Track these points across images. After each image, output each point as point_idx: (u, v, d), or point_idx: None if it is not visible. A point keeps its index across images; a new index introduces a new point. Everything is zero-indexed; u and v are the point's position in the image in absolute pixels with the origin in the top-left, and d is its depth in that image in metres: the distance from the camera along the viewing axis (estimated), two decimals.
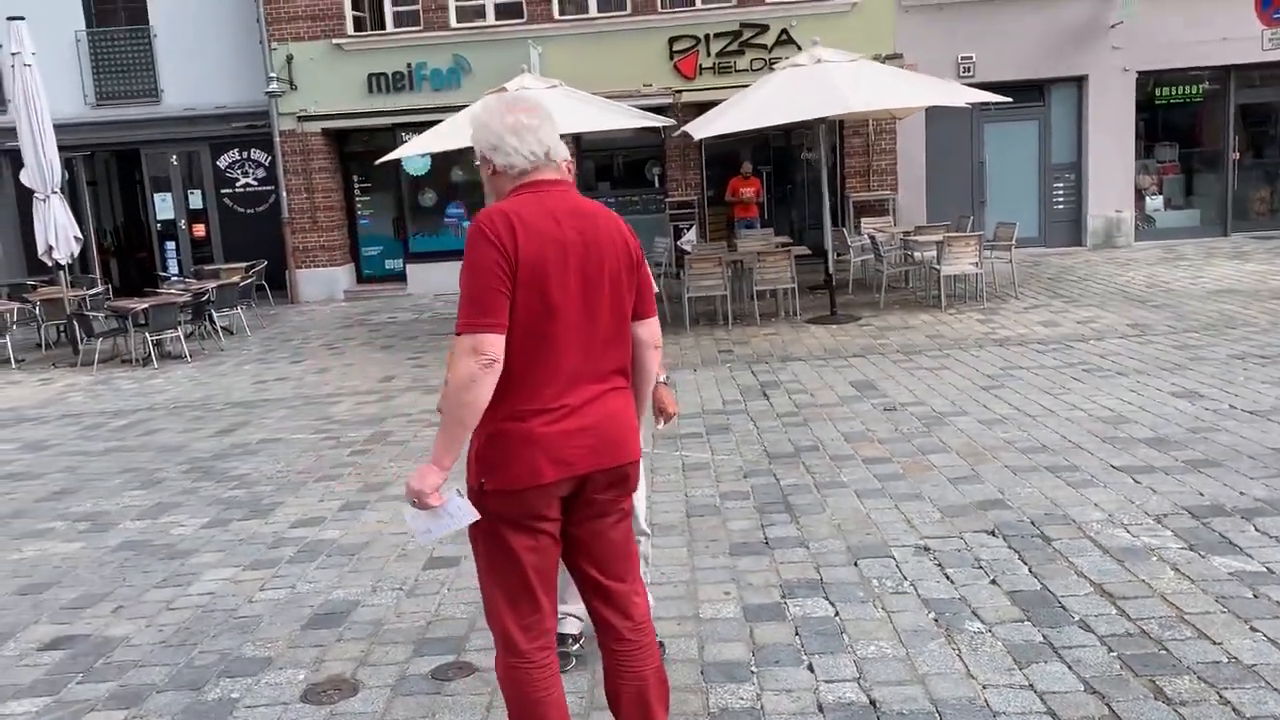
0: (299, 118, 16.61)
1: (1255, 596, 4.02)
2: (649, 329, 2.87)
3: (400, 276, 17.56)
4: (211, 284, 13.56)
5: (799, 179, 17.47)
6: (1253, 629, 3.76)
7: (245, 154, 17.46)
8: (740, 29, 16.17)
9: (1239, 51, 15.68)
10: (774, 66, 12.11)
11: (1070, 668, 3.58)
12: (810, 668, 3.72)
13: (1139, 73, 15.98)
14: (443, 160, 16.49)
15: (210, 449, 7.80)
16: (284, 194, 16.87)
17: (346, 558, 5.20)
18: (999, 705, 3.38)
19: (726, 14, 16.22)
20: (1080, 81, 16.24)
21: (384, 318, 14.78)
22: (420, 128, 16.53)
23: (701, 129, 11.17)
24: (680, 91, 16.12)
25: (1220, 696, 3.32)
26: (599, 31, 16.30)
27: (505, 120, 2.77)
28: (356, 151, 17.46)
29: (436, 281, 17.07)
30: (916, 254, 12.53)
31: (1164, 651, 3.64)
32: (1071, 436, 6.38)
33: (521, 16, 16.49)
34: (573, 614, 3.91)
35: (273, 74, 16.35)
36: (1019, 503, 5.25)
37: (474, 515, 2.72)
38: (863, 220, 15.19)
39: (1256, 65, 16.00)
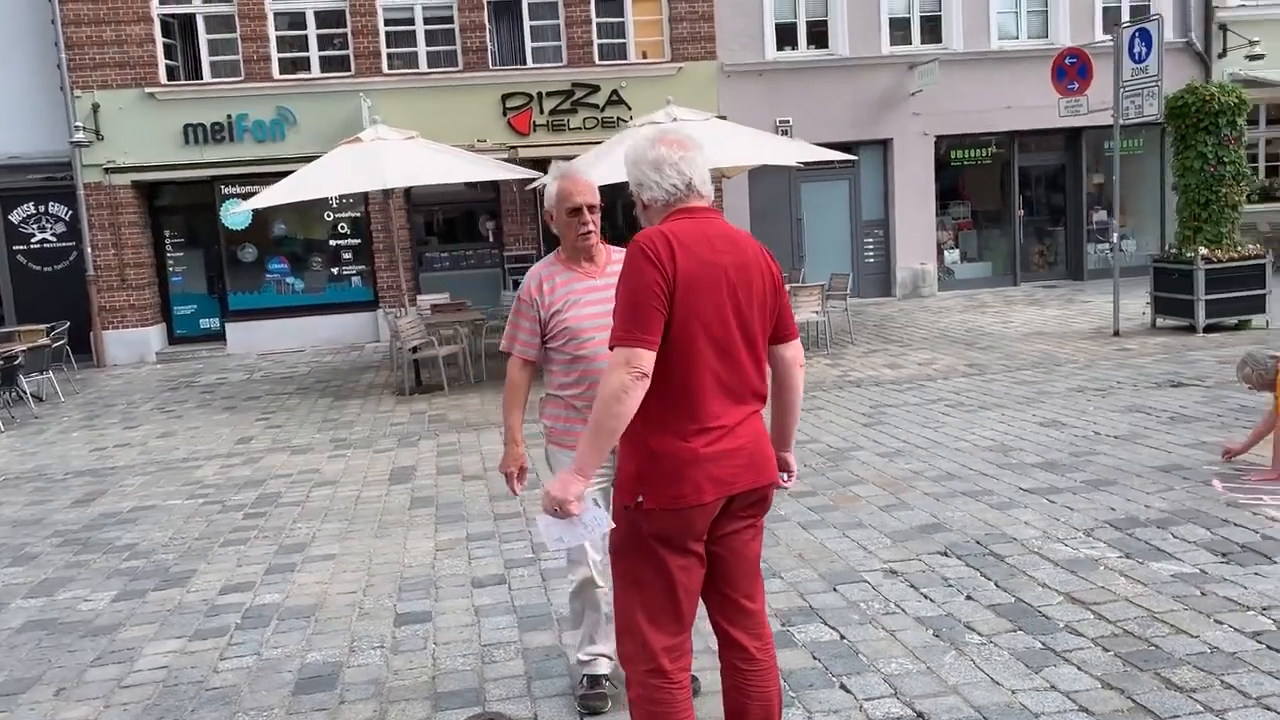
0: (106, 169, 15.56)
1: (1203, 594, 4.45)
2: (796, 349, 2.98)
3: (218, 336, 16.64)
4: (20, 347, 12.41)
5: (630, 233, 17.86)
6: (1217, 622, 4.16)
7: (43, 208, 16.14)
8: (572, 88, 16.48)
9: (1021, 119, 17.40)
10: (628, 124, 12.37)
11: (1079, 668, 3.85)
12: (844, 688, 3.83)
13: (936, 137, 17.42)
14: (265, 214, 15.85)
15: (76, 520, 7.14)
16: (89, 250, 15.69)
17: (303, 620, 4.89)
18: (1036, 707, 3.59)
19: (558, 73, 16.50)
20: (886, 144, 17.52)
21: (211, 378, 13.95)
22: (243, 180, 15.95)
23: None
24: (515, 147, 16.22)
25: (1223, 682, 3.66)
26: (431, 86, 16.21)
27: (649, 156, 2.88)
28: (169, 205, 16.52)
29: (259, 340, 16.31)
30: None
31: (1154, 648, 3.97)
32: (971, 465, 6.83)
33: (349, 69, 16.18)
34: (604, 654, 3.86)
35: (77, 123, 15.28)
36: (957, 526, 5.59)
37: (608, 526, 2.75)
38: None
39: (1035, 131, 17.79)
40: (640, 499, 2.72)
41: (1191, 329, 11.84)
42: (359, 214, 16.74)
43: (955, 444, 7.44)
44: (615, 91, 16.55)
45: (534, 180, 12.76)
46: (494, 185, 16.49)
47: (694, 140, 2.93)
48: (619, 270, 3.74)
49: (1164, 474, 6.29)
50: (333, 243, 16.82)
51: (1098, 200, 18.58)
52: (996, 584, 4.74)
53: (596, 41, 16.67)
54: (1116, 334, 12.15)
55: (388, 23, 16.32)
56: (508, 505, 6.65)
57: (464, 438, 8.99)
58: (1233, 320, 11.91)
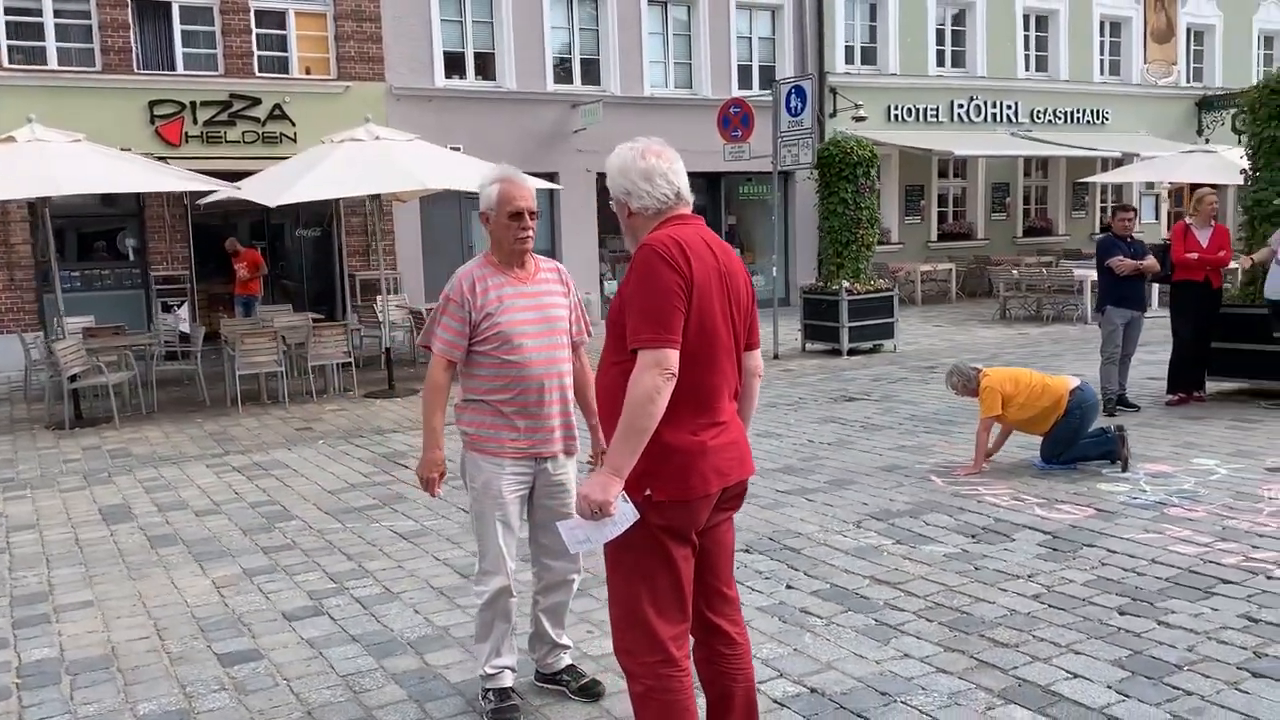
0: None
1: (976, 569, 5.19)
2: (757, 359, 3.14)
3: None
4: None
5: (297, 256, 17.01)
6: (1001, 590, 4.88)
7: None
8: (230, 99, 15.46)
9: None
10: (328, 140, 11.87)
11: (918, 638, 4.36)
12: None
13: (598, 174, 18.27)
14: None
15: None
16: None
17: (104, 671, 4.29)
18: (905, 673, 4.03)
19: (213, 83, 15.41)
20: (551, 177, 18.06)
21: None
22: None
23: (273, 196, 10.58)
24: (165, 159, 14.88)
25: (1034, 636, 4.32)
26: (62, 86, 14.48)
27: (639, 166, 2.96)
28: None
29: None
30: None
31: (966, 614, 4.59)
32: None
33: None
34: (509, 666, 3.82)
35: None
36: (744, 526, 6.00)
37: (634, 518, 2.78)
38: (379, 298, 15.24)
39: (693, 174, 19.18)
40: (649, 492, 2.80)
41: (837, 352, 13.41)
42: None
43: None
44: (278, 106, 15.75)
45: (213, 193, 11.84)
46: (137, 199, 15.04)
47: (673, 151, 3.07)
48: (550, 279, 3.79)
49: (888, 473, 7.16)
50: None
51: (732, 238, 20.40)
52: (806, 573, 5.21)
53: (257, 53, 15.79)
54: (776, 357, 13.46)
55: (8, 11, 14.40)
56: (269, 538, 6.20)
57: (166, 472, 8.18)
58: (868, 345, 13.66)
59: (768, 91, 14.85)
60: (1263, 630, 4.27)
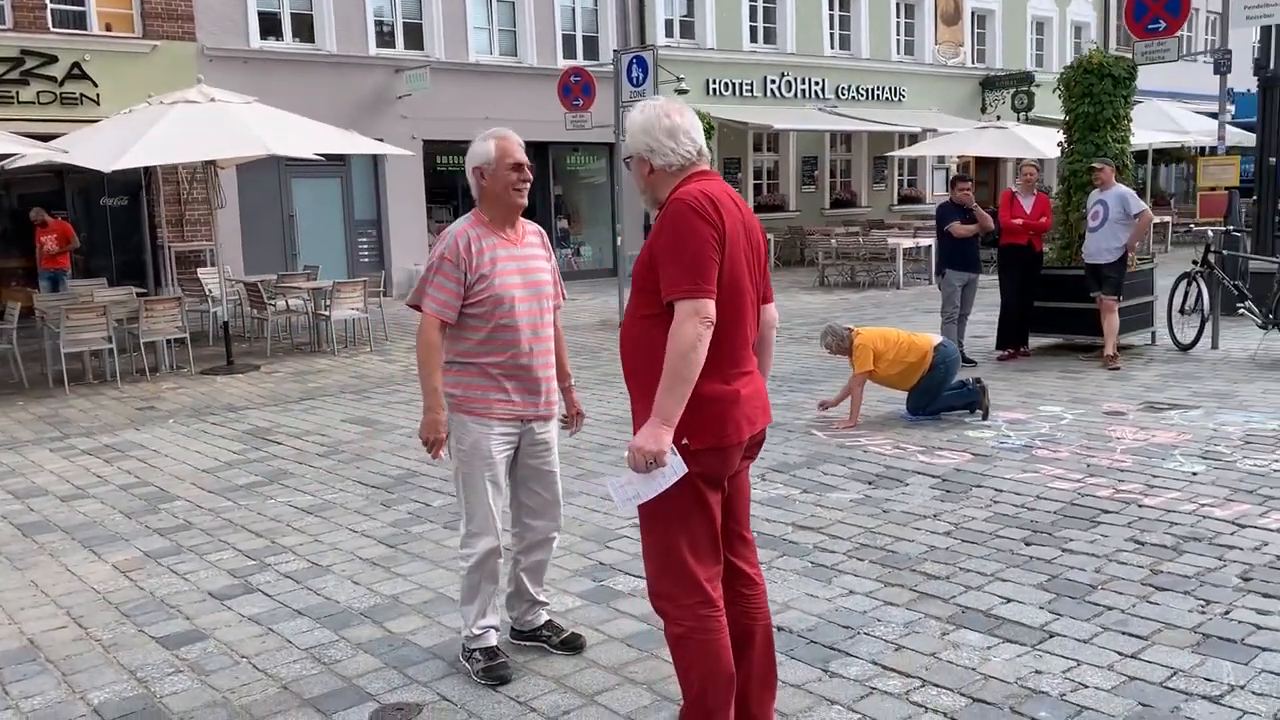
0: None
1: (885, 511, 5.53)
2: (772, 311, 3.25)
3: None
4: None
5: (104, 226, 15.81)
6: (915, 529, 5.23)
7: None
8: (22, 56, 14.18)
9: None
10: (154, 100, 11.06)
11: (857, 576, 4.64)
12: None
13: (425, 141, 17.89)
14: None
15: None
16: None
17: (33, 664, 3.98)
18: (857, 607, 4.29)
19: (2, 38, 14.08)
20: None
21: None
22: None
23: (107, 161, 9.76)
24: None
25: (961, 569, 4.68)
26: None
27: (663, 124, 3.00)
28: None
29: None
30: (294, 301, 12.50)
31: (892, 553, 4.90)
32: (625, 434, 7.48)
33: None
34: (494, 626, 3.82)
35: None
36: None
37: (683, 470, 2.84)
38: (203, 270, 14.44)
39: None
40: (685, 441, 2.87)
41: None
42: None
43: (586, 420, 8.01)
44: (77, 65, 14.60)
45: (15, 157, 10.83)
46: None
47: (691, 110, 3.15)
48: (534, 242, 3.79)
49: (772, 430, 7.43)
50: None
51: (561, 210, 20.44)
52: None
53: (50, 5, 14.53)
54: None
55: None
56: (159, 520, 5.87)
57: (5, 458, 7.56)
58: None
59: (606, 62, 14.95)
60: (1151, 551, 4.79)
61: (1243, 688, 3.48)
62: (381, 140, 17.18)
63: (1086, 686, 3.54)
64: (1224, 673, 3.59)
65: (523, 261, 3.70)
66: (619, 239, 15.01)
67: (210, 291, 12.70)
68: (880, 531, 5.21)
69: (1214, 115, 27.16)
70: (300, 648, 4.07)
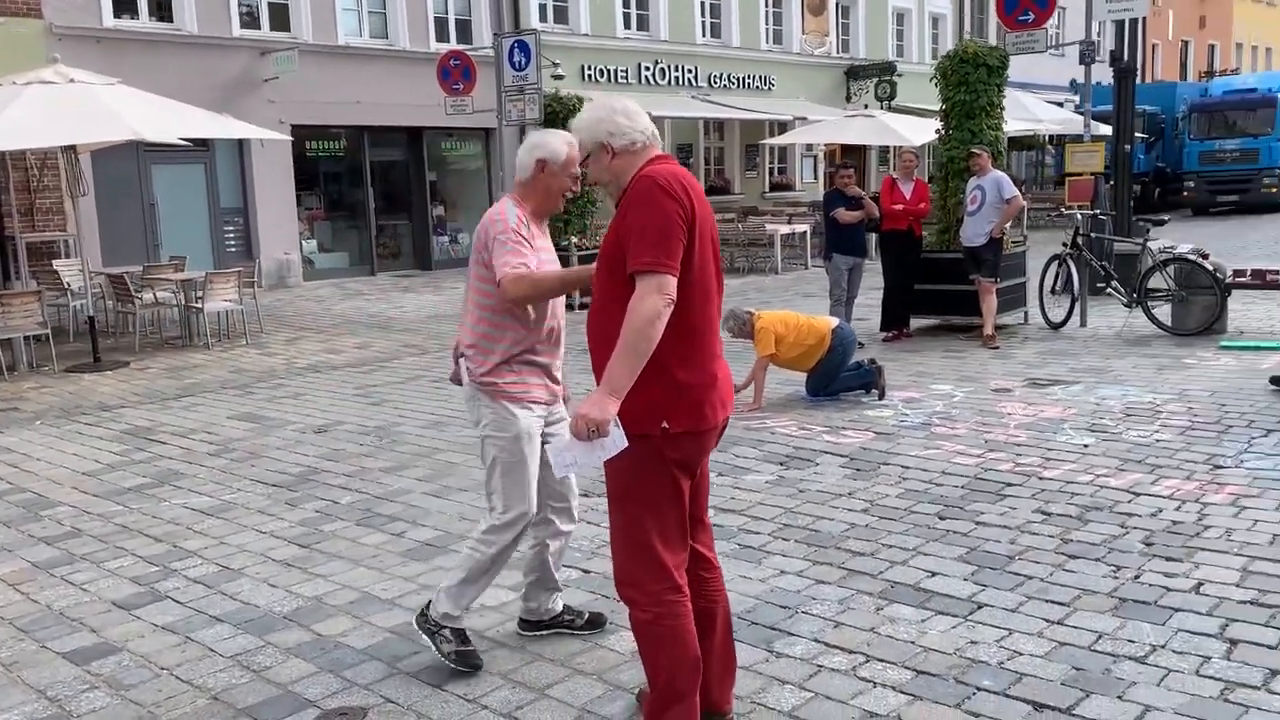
0: None
1: (801, 491, 5.62)
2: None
3: None
4: None
5: None
6: (832, 508, 5.33)
7: None
8: None
9: (371, 114, 18.08)
10: (5, 81, 10.31)
11: (785, 556, 4.70)
12: None
13: (293, 126, 17.24)
14: None
15: None
16: None
17: None
18: (790, 587, 4.34)
19: None
20: None
21: None
22: None
23: None
24: None
25: (883, 544, 4.79)
26: None
27: (617, 106, 3.01)
28: None
29: None
30: (162, 294, 11.89)
31: (815, 532, 4.98)
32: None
33: None
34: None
35: None
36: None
37: (624, 445, 2.81)
38: (56, 263, 13.57)
39: (383, 128, 18.62)
40: (665, 425, 2.86)
41: (585, 305, 13.66)
42: None
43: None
44: None
45: None
46: None
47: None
48: (547, 234, 3.77)
49: None
50: None
51: (436, 197, 20.06)
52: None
53: None
54: None
55: None
56: (43, 528, 5.51)
57: None
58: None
59: (483, 46, 14.70)
60: (1058, 521, 5.00)
61: (1164, 647, 3.66)
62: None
63: (1021, 654, 3.66)
64: (1145, 634, 3.77)
65: (549, 252, 3.75)
66: None
67: (69, 285, 11.97)
68: (800, 511, 5.29)
69: (1060, 104, 28.62)
70: (225, 655, 3.87)
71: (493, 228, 3.57)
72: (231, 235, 17.06)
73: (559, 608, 3.96)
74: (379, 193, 19.18)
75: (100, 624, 4.22)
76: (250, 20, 17.01)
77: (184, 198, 16.36)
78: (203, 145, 16.26)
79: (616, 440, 2.81)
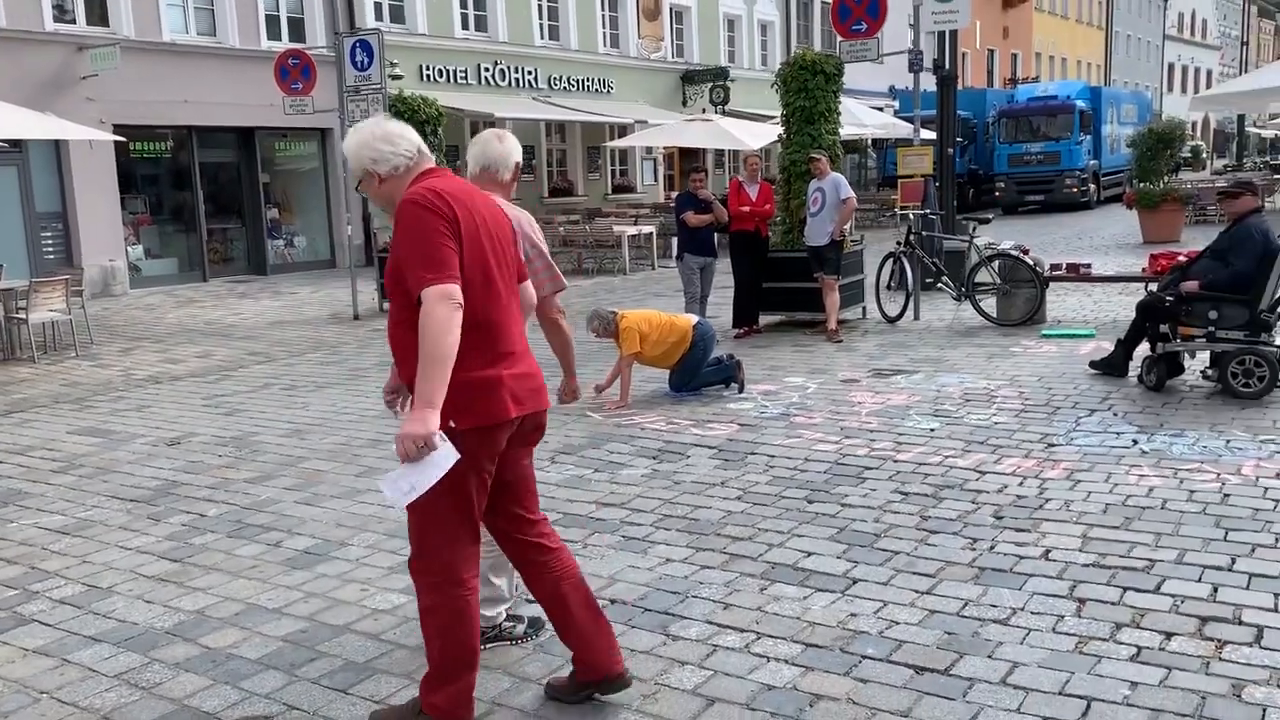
0: None
1: (677, 484, 5.81)
2: (529, 291, 3.46)
3: None
4: None
5: None
6: (708, 496, 5.54)
7: None
8: None
9: (200, 115, 17.36)
10: None
11: (669, 544, 4.86)
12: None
13: (116, 126, 16.37)
14: None
15: None
16: None
17: None
18: (678, 573, 4.51)
19: None
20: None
21: None
22: None
23: None
24: None
25: (758, 529, 5.02)
26: None
27: (375, 133, 3.11)
28: None
29: None
30: None
31: (698, 519, 5.17)
32: (391, 429, 7.30)
33: None
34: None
35: None
36: None
37: (455, 455, 2.86)
38: None
39: (212, 128, 17.91)
40: (452, 424, 2.91)
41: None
42: None
43: (350, 416, 7.75)
44: None
45: None
46: None
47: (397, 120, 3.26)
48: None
49: (551, 414, 7.53)
50: None
51: (270, 199, 19.42)
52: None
53: None
54: (356, 318, 13.25)
55: None
56: None
57: None
58: None
59: (319, 45, 14.36)
60: (915, 500, 5.34)
61: (1023, 609, 4.00)
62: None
63: (898, 623, 3.93)
64: (1005, 599, 4.11)
65: None
66: (348, 228, 14.52)
67: None
68: (678, 502, 5.47)
69: (881, 109, 30.00)
70: (109, 675, 3.74)
71: (531, 235, 3.77)
72: (50, 241, 16.08)
73: (502, 616, 3.95)
74: (209, 195, 18.43)
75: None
76: (65, 15, 16.06)
77: None
78: (15, 147, 15.28)
79: (447, 454, 2.84)
